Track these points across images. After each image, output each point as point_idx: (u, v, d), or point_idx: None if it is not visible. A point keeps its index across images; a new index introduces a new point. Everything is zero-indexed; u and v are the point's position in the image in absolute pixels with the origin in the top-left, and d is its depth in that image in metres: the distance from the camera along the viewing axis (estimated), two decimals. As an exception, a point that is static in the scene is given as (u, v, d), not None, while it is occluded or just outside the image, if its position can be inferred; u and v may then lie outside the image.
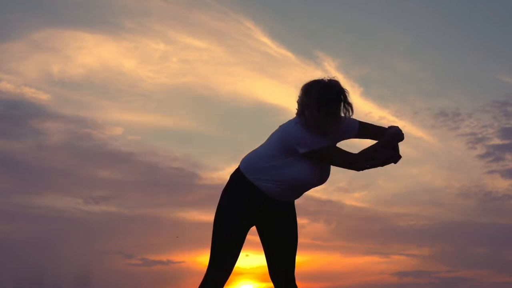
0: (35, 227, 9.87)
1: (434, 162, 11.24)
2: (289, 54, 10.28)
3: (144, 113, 10.71)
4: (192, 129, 10.74)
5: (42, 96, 10.22)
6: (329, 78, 2.77)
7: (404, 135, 2.77)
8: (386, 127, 2.84)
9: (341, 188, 10.76)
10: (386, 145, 2.69)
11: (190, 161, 10.57)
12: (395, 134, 2.74)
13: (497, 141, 10.72)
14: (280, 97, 10.63)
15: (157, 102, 10.81)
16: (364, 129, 2.88)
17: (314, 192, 10.37)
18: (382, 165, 2.72)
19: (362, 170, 2.73)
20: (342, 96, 2.74)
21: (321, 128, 2.70)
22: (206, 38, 10.32)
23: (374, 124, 2.90)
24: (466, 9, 11.13)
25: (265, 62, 10.35)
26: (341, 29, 11.04)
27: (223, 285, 2.83)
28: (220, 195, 2.90)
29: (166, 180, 10.44)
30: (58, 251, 9.22)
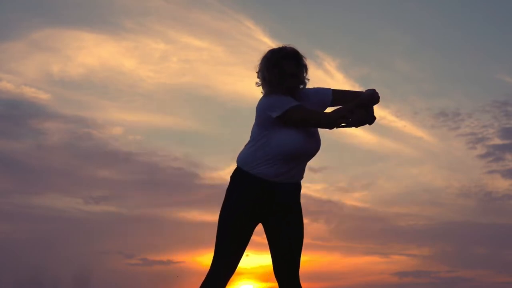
0: (35, 227, 9.88)
1: (434, 162, 11.25)
2: (289, 54, 10.24)
3: (144, 113, 10.71)
4: (192, 129, 10.75)
5: (42, 96, 10.22)
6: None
7: (380, 99, 2.77)
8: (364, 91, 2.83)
9: (341, 188, 10.77)
10: (361, 106, 2.69)
11: (190, 161, 10.58)
12: (371, 96, 2.74)
13: (497, 141, 10.74)
14: (280, 97, 10.60)
15: (157, 102, 10.82)
16: (339, 96, 2.90)
17: (314, 192, 10.36)
18: (357, 126, 2.73)
19: (336, 128, 2.74)
20: (291, 55, 2.81)
21: (276, 86, 2.78)
22: (206, 38, 10.32)
23: (350, 90, 2.92)
24: (466, 9, 11.14)
25: (265, 62, 10.32)
26: (341, 29, 11.05)
27: (225, 283, 2.83)
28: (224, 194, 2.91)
29: (166, 180, 10.45)
30: (58, 251, 9.23)
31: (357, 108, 2.68)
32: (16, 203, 9.88)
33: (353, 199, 10.72)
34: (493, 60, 11.18)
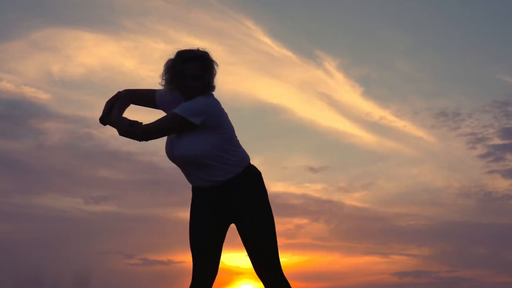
0: (35, 227, 9.88)
1: (434, 162, 11.25)
2: (289, 53, 10.28)
3: (144, 113, 10.70)
4: (192, 129, 10.72)
5: (42, 96, 10.22)
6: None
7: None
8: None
9: (341, 188, 10.77)
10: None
11: (190, 161, 10.55)
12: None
13: (497, 141, 10.74)
14: (280, 96, 10.63)
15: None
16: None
17: (314, 192, 10.37)
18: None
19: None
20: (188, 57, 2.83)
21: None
22: (206, 38, 10.31)
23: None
24: (466, 9, 11.14)
25: (265, 61, 10.35)
26: (341, 29, 11.05)
27: (206, 285, 2.82)
28: None
29: (166, 180, 10.43)
30: (58, 251, 9.23)
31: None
32: (16, 203, 9.89)
33: (353, 199, 10.73)
34: (493, 60, 11.19)
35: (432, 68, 11.44)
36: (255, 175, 2.85)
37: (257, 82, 10.59)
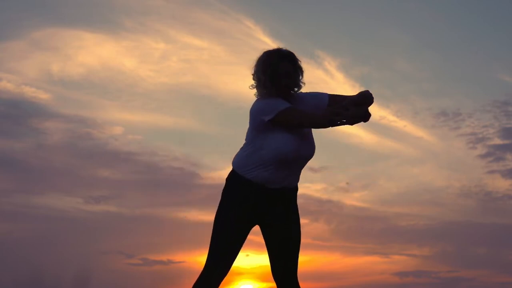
0: (35, 227, 9.87)
1: (435, 162, 11.24)
2: (289, 53, 10.24)
3: (144, 112, 10.70)
4: (192, 128, 10.75)
5: (42, 96, 10.22)
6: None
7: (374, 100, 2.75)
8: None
9: (341, 188, 10.76)
10: (355, 104, 2.69)
11: (190, 161, 10.57)
12: (364, 96, 2.71)
13: (497, 141, 10.73)
14: (280, 96, 10.61)
15: (157, 102, 10.82)
16: (336, 100, 2.89)
17: (314, 192, 10.35)
18: (351, 123, 2.70)
19: (331, 126, 2.70)
20: (286, 56, 2.80)
21: (269, 88, 2.77)
22: (206, 37, 10.32)
23: (345, 95, 2.91)
24: (466, 9, 11.13)
25: (265, 61, 10.32)
26: (341, 29, 11.04)
27: (218, 284, 2.82)
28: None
29: (166, 180, 10.44)
30: (58, 251, 9.22)
31: (351, 106, 2.68)
32: (17, 203, 9.88)
33: (353, 199, 10.72)
34: (494, 60, 11.18)
35: (432, 68, 11.44)
36: None
37: (257, 82, 10.56)
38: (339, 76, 10.28)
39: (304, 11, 10.62)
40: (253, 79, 2.83)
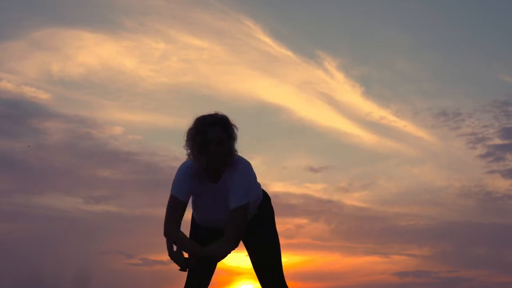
0: (35, 227, 9.87)
1: (435, 162, 11.25)
2: (289, 53, 10.28)
3: (144, 112, 10.71)
4: (192, 128, 10.72)
5: (42, 96, 10.22)
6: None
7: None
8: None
9: (341, 188, 10.76)
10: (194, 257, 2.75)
11: (190, 161, 10.54)
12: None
13: (497, 141, 10.74)
14: (280, 96, 10.63)
15: (157, 102, 10.82)
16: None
17: (314, 192, 10.37)
18: (182, 268, 2.83)
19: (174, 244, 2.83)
20: (217, 122, 2.65)
21: (196, 157, 2.67)
22: (206, 37, 10.32)
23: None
24: (466, 9, 11.14)
25: (265, 61, 10.35)
26: (341, 28, 11.05)
27: None
28: None
29: (166, 180, 10.42)
30: (58, 251, 9.23)
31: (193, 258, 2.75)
32: (17, 203, 9.89)
33: (353, 199, 10.73)
34: (494, 60, 11.19)
35: (432, 68, 11.46)
36: (266, 199, 2.91)
37: (257, 82, 10.60)
38: (339, 76, 10.29)
39: (304, 11, 10.63)
40: (183, 146, 2.70)
